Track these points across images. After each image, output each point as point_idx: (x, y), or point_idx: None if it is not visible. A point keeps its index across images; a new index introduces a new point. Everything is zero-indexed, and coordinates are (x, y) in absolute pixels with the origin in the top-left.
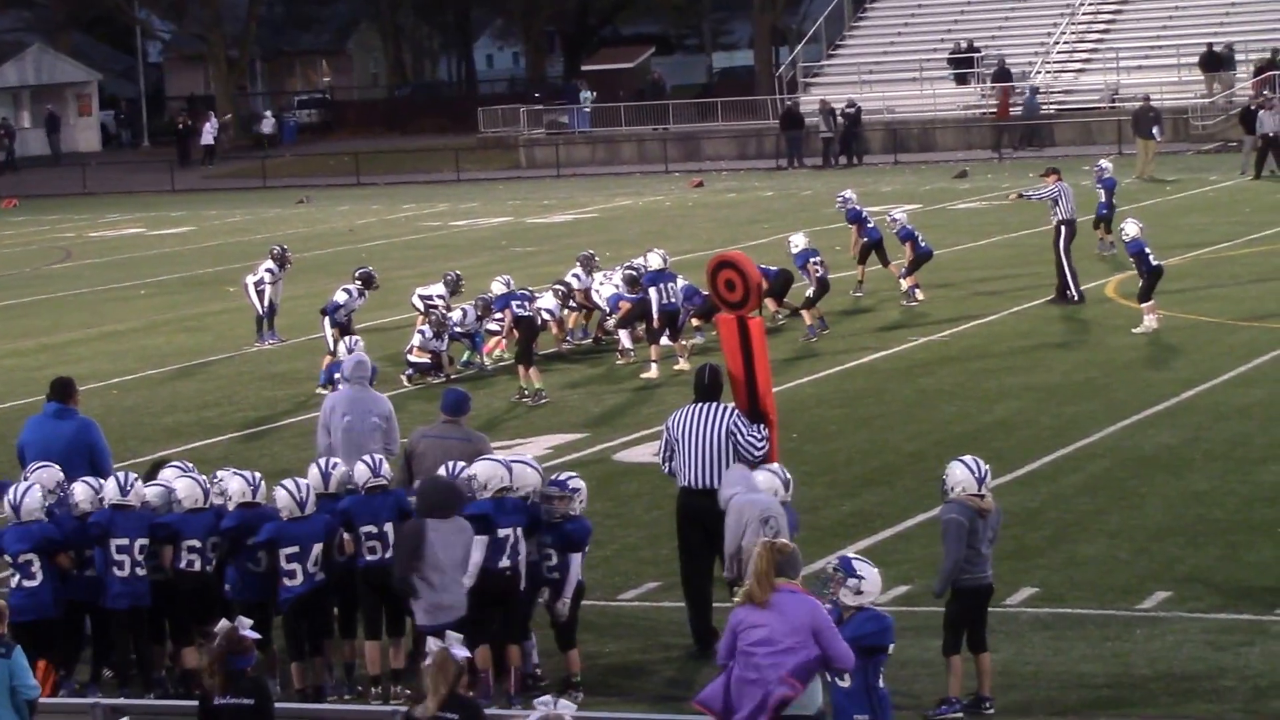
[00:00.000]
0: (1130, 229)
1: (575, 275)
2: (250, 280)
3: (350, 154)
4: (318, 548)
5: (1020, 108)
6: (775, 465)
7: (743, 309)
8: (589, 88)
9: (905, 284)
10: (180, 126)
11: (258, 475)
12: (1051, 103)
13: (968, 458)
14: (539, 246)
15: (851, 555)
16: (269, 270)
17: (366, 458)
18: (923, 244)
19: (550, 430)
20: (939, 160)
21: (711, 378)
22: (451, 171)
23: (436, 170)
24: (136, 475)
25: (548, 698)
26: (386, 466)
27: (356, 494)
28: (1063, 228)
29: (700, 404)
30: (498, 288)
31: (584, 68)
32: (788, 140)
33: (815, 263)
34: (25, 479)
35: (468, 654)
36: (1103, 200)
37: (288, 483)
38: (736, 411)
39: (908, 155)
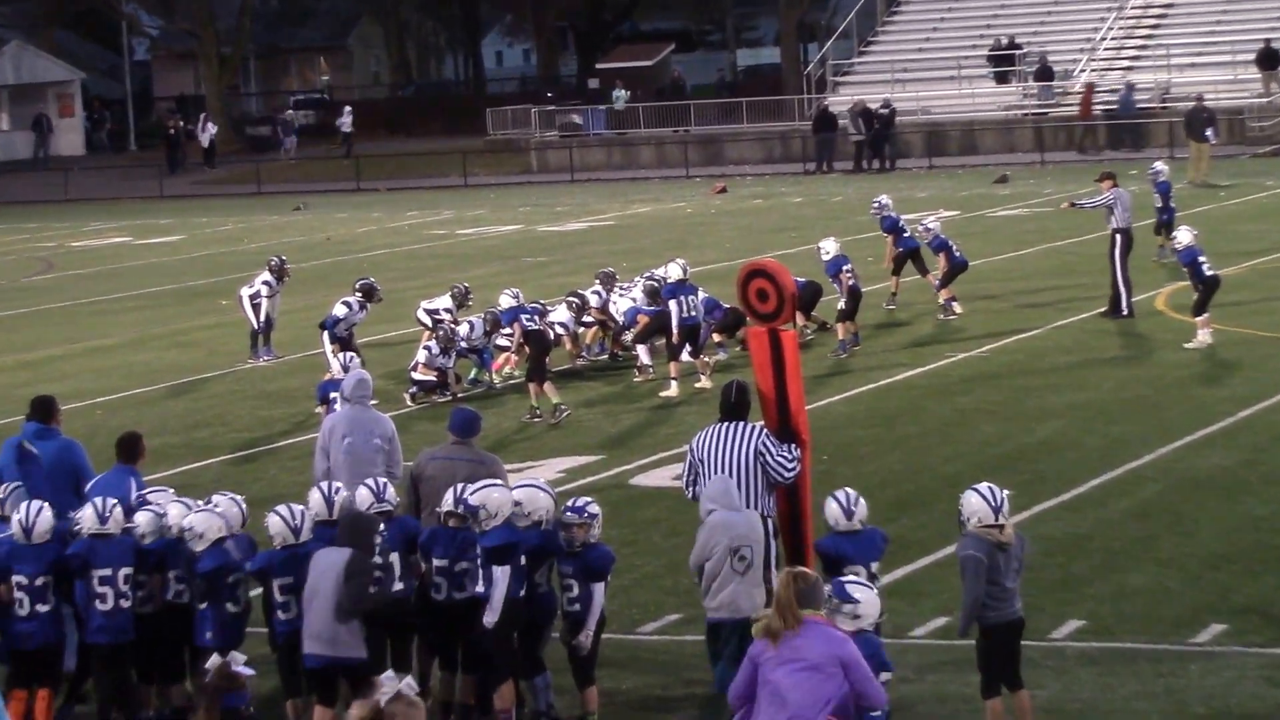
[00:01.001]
0: (1184, 236)
1: (596, 293)
2: (246, 293)
3: (350, 157)
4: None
5: (1114, 106)
6: (846, 492)
7: (775, 321)
8: (623, 86)
9: (942, 297)
10: (171, 130)
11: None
12: (1097, 103)
13: (983, 486)
14: (551, 256)
15: (846, 579)
16: (266, 283)
17: (370, 482)
18: (958, 254)
19: (563, 452)
20: (978, 164)
21: (739, 395)
22: (458, 176)
23: (442, 175)
24: (115, 501)
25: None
26: (391, 491)
27: None
28: (1118, 236)
29: (727, 423)
30: (506, 300)
31: (599, 65)
32: (818, 143)
33: (848, 271)
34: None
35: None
36: (1159, 204)
37: (281, 509)
38: (766, 431)
39: (944, 159)
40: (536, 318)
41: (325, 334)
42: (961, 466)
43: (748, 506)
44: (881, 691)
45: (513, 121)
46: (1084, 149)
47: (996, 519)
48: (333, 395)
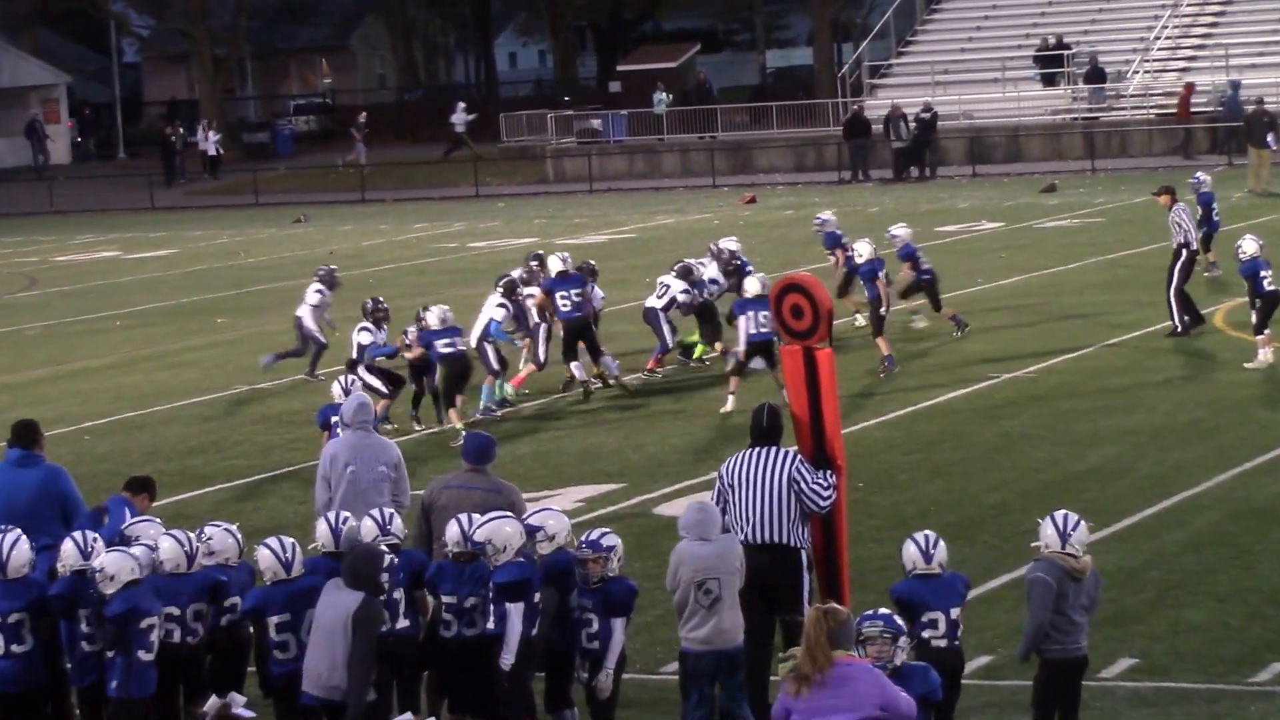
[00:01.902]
0: (1248, 246)
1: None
2: (306, 310)
3: (354, 166)
4: (311, 614)
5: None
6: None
7: (810, 339)
8: (665, 89)
9: (907, 307)
10: (171, 138)
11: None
12: (1150, 106)
13: (1059, 513)
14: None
15: (882, 611)
16: (319, 293)
17: (375, 512)
18: (925, 266)
19: (582, 480)
20: (1024, 172)
21: (770, 419)
22: (469, 186)
23: (452, 184)
24: (96, 535)
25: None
26: (398, 522)
27: None
28: (1183, 251)
29: (758, 449)
30: (432, 319)
31: (620, 67)
32: (852, 150)
33: (884, 276)
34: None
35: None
36: (1200, 216)
37: (271, 541)
38: (799, 457)
39: (988, 166)
40: (458, 340)
41: (361, 369)
42: (1006, 495)
43: (779, 536)
44: None
45: (528, 127)
46: (1189, 154)
47: (1063, 547)
48: (334, 419)
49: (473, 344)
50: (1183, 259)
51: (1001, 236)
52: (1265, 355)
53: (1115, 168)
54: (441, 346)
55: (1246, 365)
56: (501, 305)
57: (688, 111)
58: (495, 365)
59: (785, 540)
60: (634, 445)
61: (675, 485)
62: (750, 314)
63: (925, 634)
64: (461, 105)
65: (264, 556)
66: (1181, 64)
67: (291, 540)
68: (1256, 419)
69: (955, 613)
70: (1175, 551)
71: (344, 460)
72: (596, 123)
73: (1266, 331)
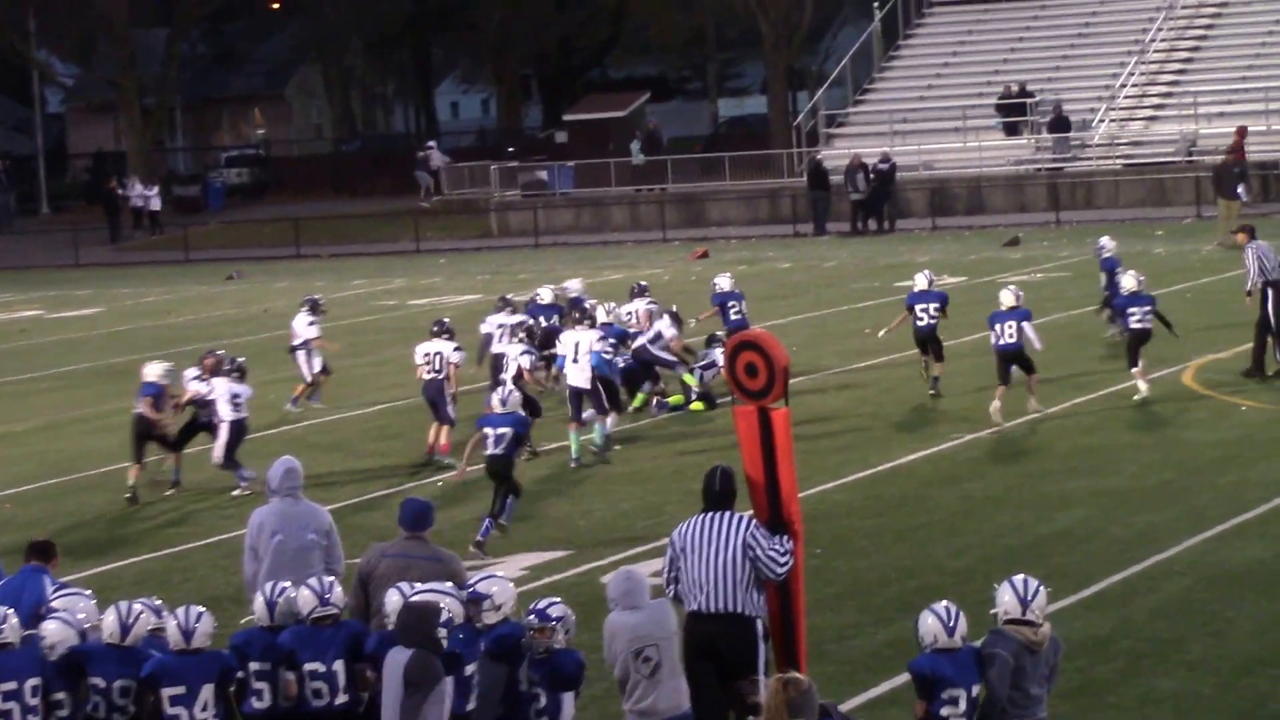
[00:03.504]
0: (1127, 282)
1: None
2: (299, 342)
3: (289, 220)
4: (208, 689)
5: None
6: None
7: (765, 398)
8: (641, 137)
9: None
10: (117, 190)
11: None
12: (1116, 156)
13: (1018, 577)
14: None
15: None
16: (312, 323)
17: (313, 581)
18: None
19: (527, 547)
20: (987, 224)
21: (724, 482)
22: (410, 240)
23: (392, 239)
24: (9, 608)
25: None
26: (338, 591)
27: (299, 624)
28: (1269, 291)
29: (711, 513)
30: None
31: (566, 116)
32: (814, 202)
33: (925, 308)
34: None
35: None
36: (1104, 283)
37: (180, 611)
38: (754, 522)
39: (949, 218)
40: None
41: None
42: (971, 560)
43: (733, 605)
44: None
45: (470, 179)
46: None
47: (1024, 614)
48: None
49: (577, 382)
50: (1270, 299)
51: (964, 291)
52: (1142, 388)
53: (1081, 219)
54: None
55: (1135, 399)
56: (602, 337)
57: (638, 162)
58: (606, 403)
59: (739, 609)
60: (582, 510)
61: (625, 552)
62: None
63: (944, 711)
64: (432, 144)
65: (109, 623)
66: (1148, 112)
67: (199, 609)
68: (1228, 480)
69: (976, 689)
70: (1145, 618)
71: (271, 529)
72: (542, 174)
73: (1139, 365)
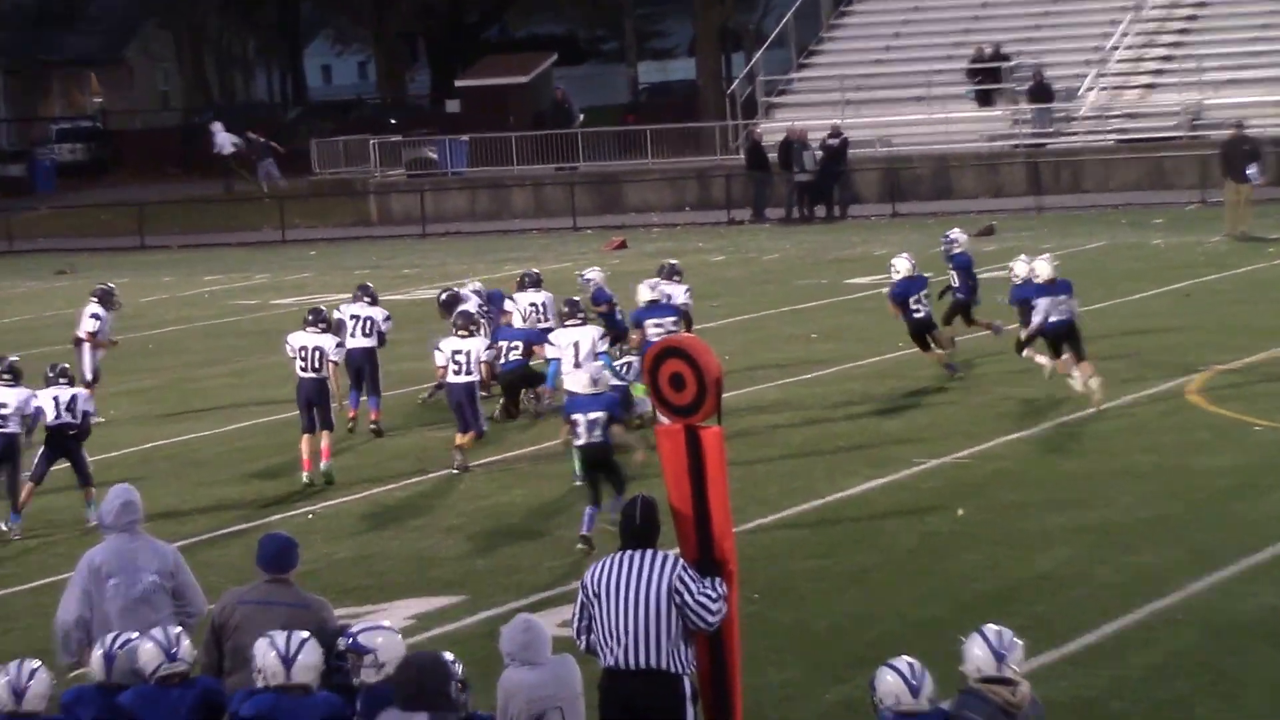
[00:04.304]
0: (1020, 268)
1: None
2: (85, 332)
3: (132, 205)
4: None
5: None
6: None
7: (694, 415)
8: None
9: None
10: None
11: None
12: (1108, 131)
13: (990, 629)
14: (399, 335)
15: None
16: (95, 316)
17: (157, 633)
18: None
19: (414, 591)
20: (955, 211)
21: (645, 515)
22: (274, 228)
23: (252, 228)
24: None
25: None
26: (186, 644)
27: (143, 683)
28: None
29: (630, 552)
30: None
31: (460, 82)
32: (753, 184)
33: (918, 298)
34: None
35: None
36: (957, 283)
37: (11, 668)
38: (681, 561)
39: (911, 204)
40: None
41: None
42: (937, 610)
43: (656, 660)
44: None
45: (346, 156)
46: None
47: (1000, 670)
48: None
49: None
50: None
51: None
52: (1076, 378)
53: (1066, 205)
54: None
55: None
56: (604, 334)
57: (542, 137)
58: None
59: (663, 664)
60: (480, 548)
61: (529, 598)
62: None
63: None
64: (218, 125)
65: None
66: (1145, 79)
67: (34, 665)
68: (1236, 514)
69: None
70: (1142, 676)
71: (106, 571)
72: (431, 151)
73: (1029, 351)
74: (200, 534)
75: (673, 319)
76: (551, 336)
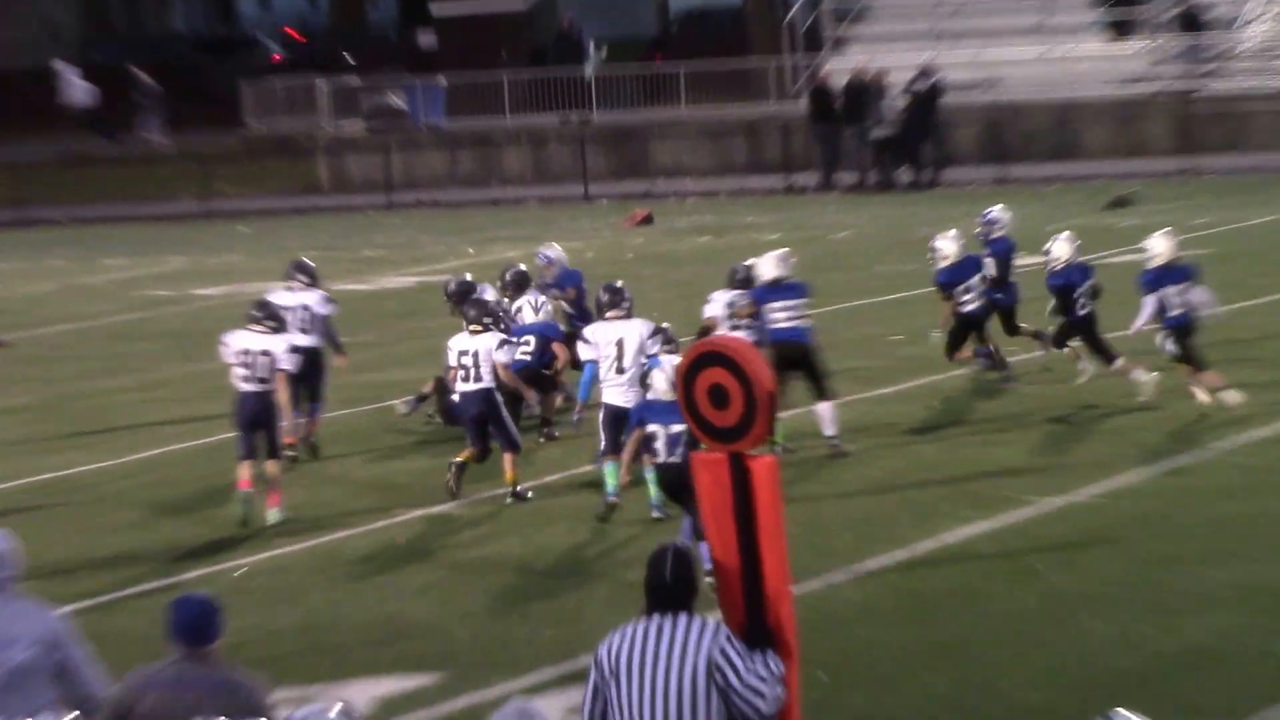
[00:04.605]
0: (1059, 249)
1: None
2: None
3: (7, 167)
4: None
5: None
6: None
7: (740, 440)
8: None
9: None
10: None
11: None
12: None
13: (1122, 713)
14: (357, 337)
15: None
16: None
17: None
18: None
19: (378, 669)
20: (1080, 175)
21: (677, 570)
22: (194, 199)
23: (168, 196)
24: None
25: None
26: None
27: None
28: None
29: (657, 618)
30: None
31: (435, 10)
32: (820, 141)
33: (967, 285)
34: None
35: None
36: (993, 273)
37: None
38: (725, 630)
39: (1022, 167)
40: None
41: None
42: (1052, 694)
43: None
44: None
45: (288, 104)
46: None
47: None
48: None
49: (620, 400)
50: None
51: (1033, 279)
52: (1080, 363)
53: (1226, 168)
54: None
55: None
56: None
57: (543, 80)
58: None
59: None
60: (459, 613)
61: (525, 677)
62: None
63: None
64: (65, 64)
65: None
66: None
67: None
68: None
69: None
70: None
71: None
72: (398, 98)
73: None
74: (98, 594)
75: (805, 300)
76: (587, 332)
